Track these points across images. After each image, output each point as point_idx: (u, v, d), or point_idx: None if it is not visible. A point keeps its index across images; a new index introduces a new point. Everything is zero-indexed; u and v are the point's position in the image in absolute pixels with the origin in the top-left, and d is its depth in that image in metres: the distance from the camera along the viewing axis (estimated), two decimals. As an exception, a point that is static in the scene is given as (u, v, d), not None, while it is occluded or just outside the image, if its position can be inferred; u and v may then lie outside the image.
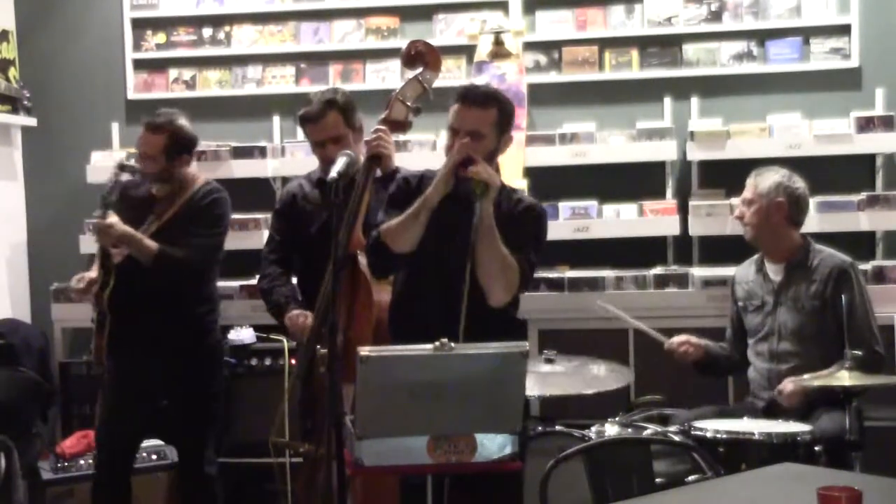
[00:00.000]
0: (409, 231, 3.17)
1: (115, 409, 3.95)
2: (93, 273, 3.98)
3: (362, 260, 3.43)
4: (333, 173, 2.90)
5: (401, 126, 3.58)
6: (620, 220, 4.77)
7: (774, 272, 3.95)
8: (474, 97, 3.24)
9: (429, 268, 3.21)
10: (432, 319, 3.06)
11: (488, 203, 3.10)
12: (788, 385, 3.71)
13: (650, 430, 3.53)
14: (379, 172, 3.57)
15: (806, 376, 3.66)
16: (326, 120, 3.73)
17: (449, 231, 3.17)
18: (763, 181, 3.93)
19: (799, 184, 3.94)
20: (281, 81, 5.22)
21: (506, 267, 3.14)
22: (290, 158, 4.97)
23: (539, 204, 3.42)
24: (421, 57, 3.55)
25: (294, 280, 3.95)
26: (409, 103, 3.53)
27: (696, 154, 4.76)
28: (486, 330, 3.07)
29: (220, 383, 4.10)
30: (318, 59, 5.20)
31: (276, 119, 5.20)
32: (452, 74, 4.96)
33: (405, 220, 3.17)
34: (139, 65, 5.34)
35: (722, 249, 4.67)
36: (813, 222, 4.45)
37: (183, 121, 4.02)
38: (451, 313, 3.07)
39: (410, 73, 3.61)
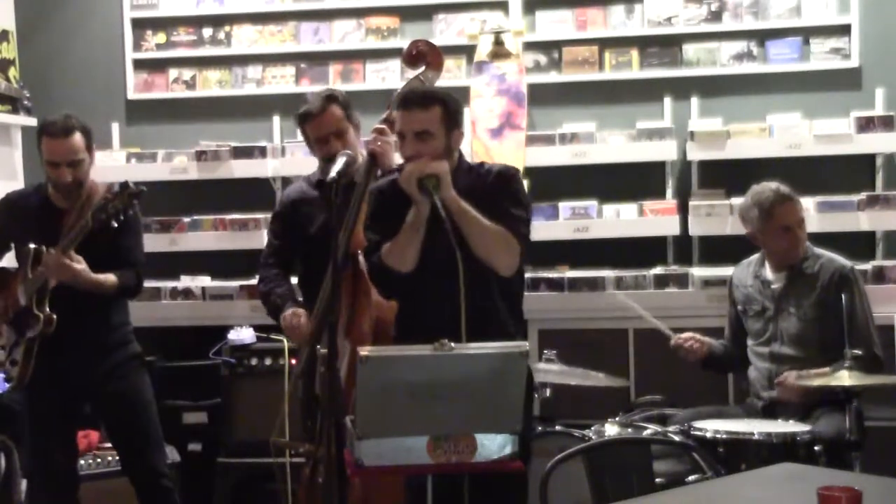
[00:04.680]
0: (410, 249, 3.16)
1: (43, 432, 3.84)
2: None
3: (362, 260, 3.42)
4: (333, 173, 2.90)
5: None
6: (620, 220, 4.77)
7: (775, 278, 3.94)
8: (413, 99, 3.22)
9: (425, 273, 3.20)
10: (438, 322, 3.03)
11: (447, 190, 3.08)
12: (791, 377, 3.70)
13: (650, 430, 3.53)
14: (379, 172, 3.57)
15: (806, 372, 3.67)
16: (328, 114, 3.72)
17: (432, 232, 3.16)
18: (797, 198, 3.93)
19: None
20: (281, 81, 5.22)
21: (497, 235, 3.14)
22: (290, 158, 4.97)
23: (510, 166, 3.40)
24: (423, 57, 3.55)
25: (294, 281, 3.95)
26: None
27: (696, 154, 4.76)
28: (489, 321, 3.06)
29: (150, 392, 3.93)
30: (318, 59, 5.20)
31: (276, 119, 5.20)
32: (452, 74, 4.95)
33: (405, 240, 3.16)
34: (139, 65, 5.34)
35: (722, 249, 4.67)
36: (813, 222, 4.45)
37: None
38: (455, 311, 3.05)
39: (412, 73, 3.61)
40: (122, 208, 3.55)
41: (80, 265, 3.60)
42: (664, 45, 4.95)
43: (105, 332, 3.85)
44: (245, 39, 5.25)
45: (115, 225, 3.59)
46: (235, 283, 4.85)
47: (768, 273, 3.96)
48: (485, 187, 3.25)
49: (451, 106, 3.24)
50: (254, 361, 4.57)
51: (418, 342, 2.69)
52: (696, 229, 4.70)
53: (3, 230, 3.96)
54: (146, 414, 3.90)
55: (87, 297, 3.73)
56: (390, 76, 5.05)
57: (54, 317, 3.67)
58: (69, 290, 3.68)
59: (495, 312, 3.21)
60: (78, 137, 3.74)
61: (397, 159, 3.75)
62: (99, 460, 4.37)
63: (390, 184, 3.30)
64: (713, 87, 4.93)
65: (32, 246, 3.74)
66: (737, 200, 4.55)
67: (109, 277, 3.71)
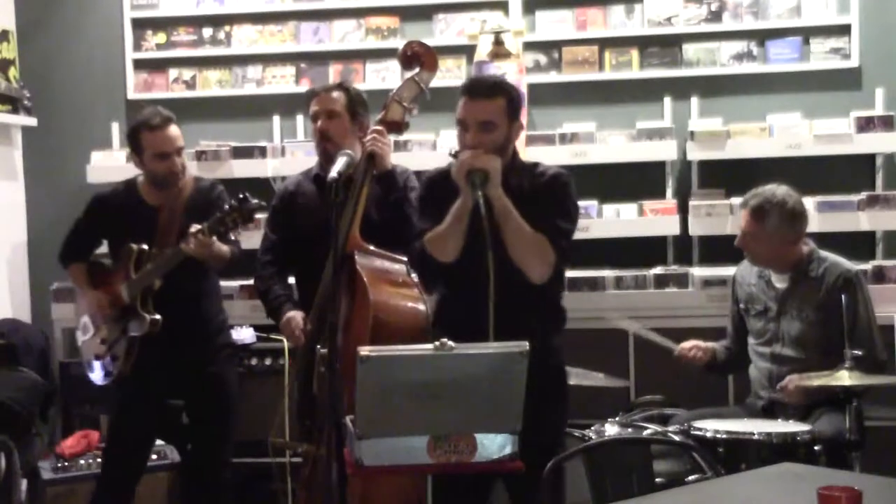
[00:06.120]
0: (452, 239, 3.13)
1: (129, 414, 3.92)
2: (100, 294, 3.93)
3: (359, 259, 3.43)
4: (334, 173, 2.90)
5: (397, 127, 3.59)
6: (620, 220, 4.77)
7: (778, 280, 3.93)
8: (480, 88, 3.18)
9: (465, 267, 3.18)
10: (473, 317, 3.00)
11: (494, 188, 3.05)
12: (793, 381, 3.70)
13: (650, 430, 3.53)
14: (375, 172, 3.59)
15: (807, 376, 3.66)
16: (331, 94, 3.78)
17: (478, 228, 3.14)
18: (768, 219, 3.80)
19: (798, 204, 3.85)
20: (281, 81, 5.23)
21: (534, 241, 3.11)
22: (290, 158, 4.97)
23: (563, 171, 3.34)
24: (417, 57, 3.56)
25: (291, 280, 3.96)
26: (405, 104, 3.55)
27: (696, 154, 4.76)
28: (523, 321, 3.04)
29: (236, 382, 4.06)
30: (318, 59, 5.20)
31: (276, 119, 5.20)
32: (453, 74, 4.97)
33: (448, 230, 3.14)
34: (139, 65, 5.34)
35: (722, 249, 4.66)
36: (813, 222, 4.44)
37: None
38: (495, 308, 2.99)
39: (408, 74, 3.62)
40: (240, 222, 3.64)
41: (214, 241, 3.70)
42: (664, 45, 4.95)
43: (199, 325, 3.94)
44: (245, 39, 5.25)
45: (233, 238, 3.75)
46: (235, 283, 4.85)
47: (773, 273, 3.96)
48: (535, 189, 3.22)
49: (514, 97, 3.22)
50: (254, 361, 4.58)
51: (455, 336, 2.69)
52: (696, 229, 4.70)
53: (96, 227, 4.04)
54: (228, 401, 3.98)
55: (186, 295, 3.83)
56: (390, 76, 5.05)
57: (160, 319, 3.75)
58: (169, 290, 3.76)
59: (531, 312, 3.17)
60: (175, 127, 3.86)
61: (398, 161, 3.76)
62: (99, 460, 4.37)
63: (442, 173, 3.29)
64: (713, 87, 4.93)
65: (135, 246, 3.80)
66: (737, 200, 4.55)
67: (225, 248, 3.81)
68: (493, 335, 2.91)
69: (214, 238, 3.66)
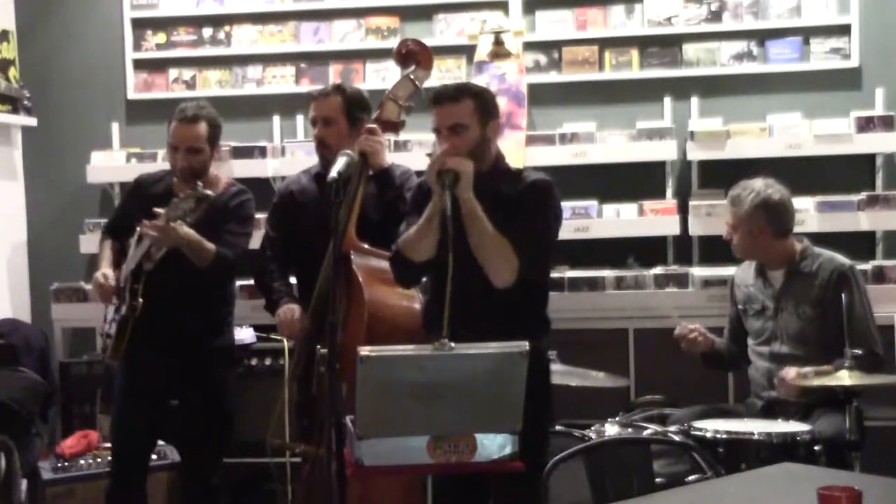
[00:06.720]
0: (425, 239, 3.17)
1: (128, 410, 3.90)
2: (108, 271, 3.90)
3: (355, 259, 3.43)
4: (334, 173, 2.91)
5: (393, 126, 3.60)
6: (620, 220, 4.77)
7: (775, 277, 3.94)
8: (446, 93, 3.24)
9: (441, 269, 3.18)
10: (454, 316, 3.01)
11: (464, 190, 3.07)
12: (791, 373, 3.69)
13: (650, 430, 3.53)
14: (370, 171, 3.59)
15: (807, 368, 3.66)
16: (326, 101, 3.77)
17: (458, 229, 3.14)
18: (741, 206, 3.85)
19: (776, 194, 3.85)
20: (281, 81, 5.23)
21: (498, 246, 3.13)
22: (290, 158, 4.96)
23: (543, 177, 3.35)
24: (412, 56, 3.57)
25: (293, 279, 3.96)
26: (401, 103, 3.55)
27: (696, 154, 4.76)
28: (505, 320, 3.05)
29: (233, 384, 4.02)
30: (318, 59, 5.20)
31: (276, 119, 5.20)
32: (453, 74, 4.96)
33: (419, 230, 3.18)
34: (139, 65, 5.34)
35: (722, 249, 4.64)
36: (813, 222, 4.46)
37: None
38: (469, 307, 2.99)
39: (404, 72, 3.62)
40: (188, 210, 3.59)
41: (182, 227, 3.62)
42: (664, 45, 4.95)
43: (194, 323, 3.87)
44: (245, 39, 5.25)
45: (184, 224, 3.64)
46: (235, 283, 4.84)
47: (769, 272, 3.96)
48: (513, 195, 3.25)
49: (483, 97, 3.25)
50: (254, 361, 4.57)
51: (438, 336, 2.69)
52: (696, 229, 4.70)
53: (128, 207, 4.05)
54: (224, 405, 3.94)
55: (183, 287, 3.78)
56: (390, 76, 5.03)
57: (138, 303, 3.70)
58: (165, 277, 3.71)
59: (513, 312, 3.18)
60: (202, 127, 3.81)
61: (399, 160, 3.76)
62: (99, 460, 4.37)
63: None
64: (713, 87, 4.93)
65: (139, 228, 3.78)
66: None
67: (209, 244, 3.75)
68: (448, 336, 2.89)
69: (174, 226, 3.59)
